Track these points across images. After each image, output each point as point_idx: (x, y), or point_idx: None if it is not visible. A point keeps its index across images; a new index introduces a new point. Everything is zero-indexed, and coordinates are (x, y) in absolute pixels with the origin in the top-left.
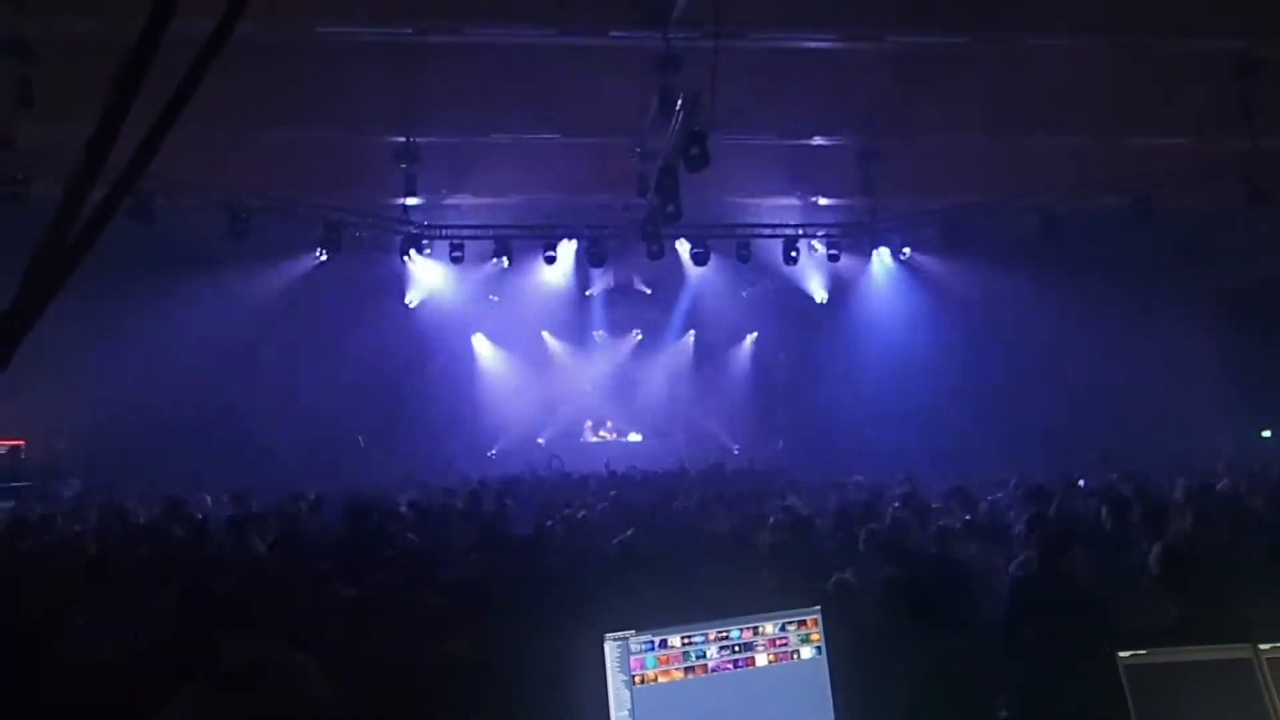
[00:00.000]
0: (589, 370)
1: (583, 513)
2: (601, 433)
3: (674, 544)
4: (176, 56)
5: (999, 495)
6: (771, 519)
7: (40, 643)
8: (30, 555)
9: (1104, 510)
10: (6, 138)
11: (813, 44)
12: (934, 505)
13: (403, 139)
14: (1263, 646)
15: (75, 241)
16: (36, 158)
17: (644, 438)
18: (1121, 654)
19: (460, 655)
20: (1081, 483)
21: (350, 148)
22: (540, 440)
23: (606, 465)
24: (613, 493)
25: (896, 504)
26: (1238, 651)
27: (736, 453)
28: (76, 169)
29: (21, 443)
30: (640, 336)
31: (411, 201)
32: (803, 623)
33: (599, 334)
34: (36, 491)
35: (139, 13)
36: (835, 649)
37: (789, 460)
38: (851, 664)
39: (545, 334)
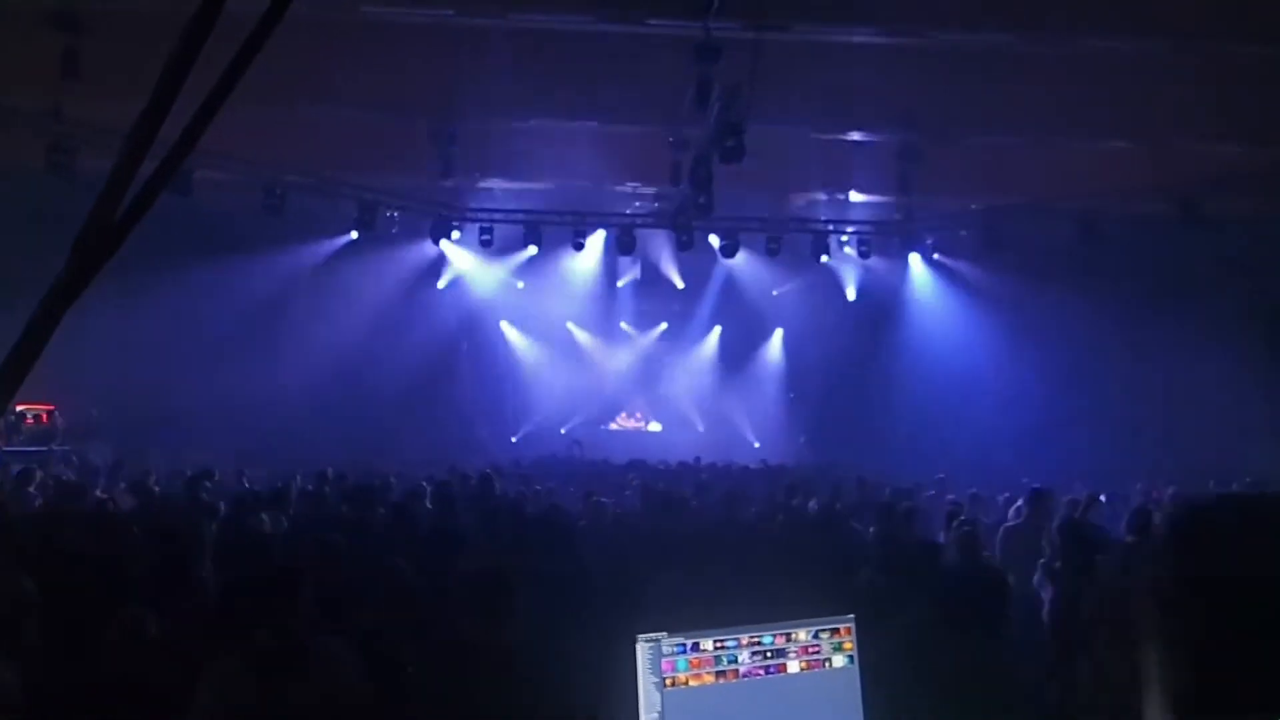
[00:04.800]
0: (614, 360)
1: (605, 499)
2: (624, 420)
3: (703, 539)
4: (231, 32)
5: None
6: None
7: (86, 615)
8: (71, 524)
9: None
10: (53, 108)
11: (857, 38)
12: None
13: (439, 121)
14: None
15: (123, 215)
16: (82, 130)
17: (664, 428)
18: None
19: (492, 645)
20: (1103, 497)
21: (387, 128)
22: (563, 430)
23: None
24: (635, 481)
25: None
26: None
27: (757, 447)
28: (127, 144)
29: (53, 408)
30: (667, 328)
31: (445, 184)
32: (836, 630)
33: (626, 324)
34: (67, 457)
35: None
36: (867, 658)
37: (811, 458)
38: (884, 674)
39: (570, 324)
